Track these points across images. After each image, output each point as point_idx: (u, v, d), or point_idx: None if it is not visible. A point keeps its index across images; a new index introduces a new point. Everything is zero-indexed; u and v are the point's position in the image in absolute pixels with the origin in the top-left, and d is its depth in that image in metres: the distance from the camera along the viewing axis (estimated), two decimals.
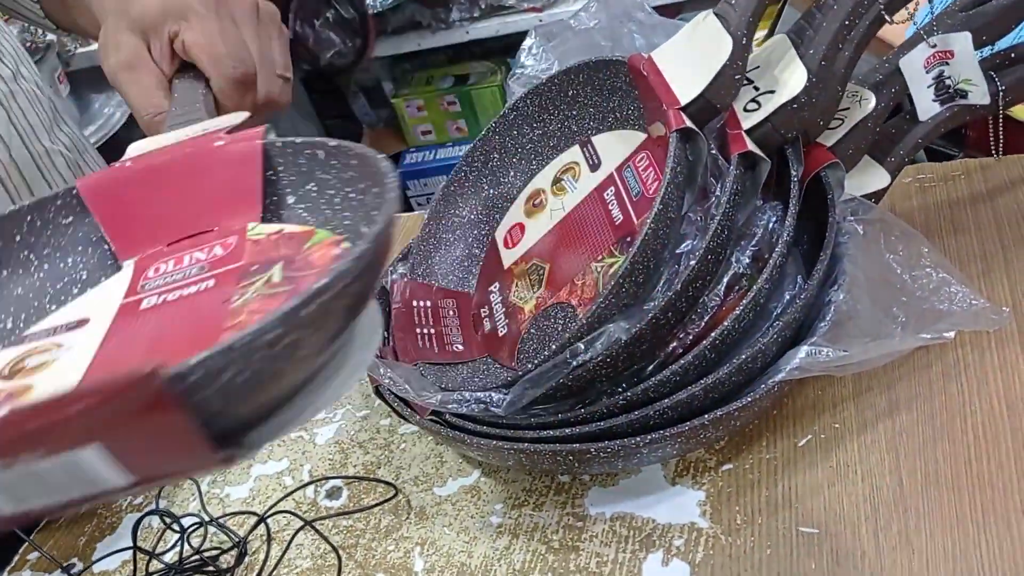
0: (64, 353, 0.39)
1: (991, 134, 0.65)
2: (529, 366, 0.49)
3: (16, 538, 0.63)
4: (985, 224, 0.63)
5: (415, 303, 0.63)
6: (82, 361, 0.38)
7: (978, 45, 0.58)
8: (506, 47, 1.68)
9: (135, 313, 0.40)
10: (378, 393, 0.57)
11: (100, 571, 0.58)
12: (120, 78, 0.53)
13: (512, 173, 0.66)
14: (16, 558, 0.62)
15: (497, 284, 0.62)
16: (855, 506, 0.48)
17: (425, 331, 0.61)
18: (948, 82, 0.59)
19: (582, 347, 0.47)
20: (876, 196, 0.61)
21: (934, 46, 0.58)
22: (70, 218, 0.45)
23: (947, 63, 0.59)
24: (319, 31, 1.49)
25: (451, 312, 0.63)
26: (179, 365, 0.26)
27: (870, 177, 0.61)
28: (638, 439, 0.48)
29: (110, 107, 1.54)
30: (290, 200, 0.45)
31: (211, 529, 0.58)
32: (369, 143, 1.25)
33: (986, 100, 0.59)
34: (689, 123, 0.50)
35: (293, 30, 1.49)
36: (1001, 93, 0.59)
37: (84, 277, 0.45)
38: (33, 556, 0.61)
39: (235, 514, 0.59)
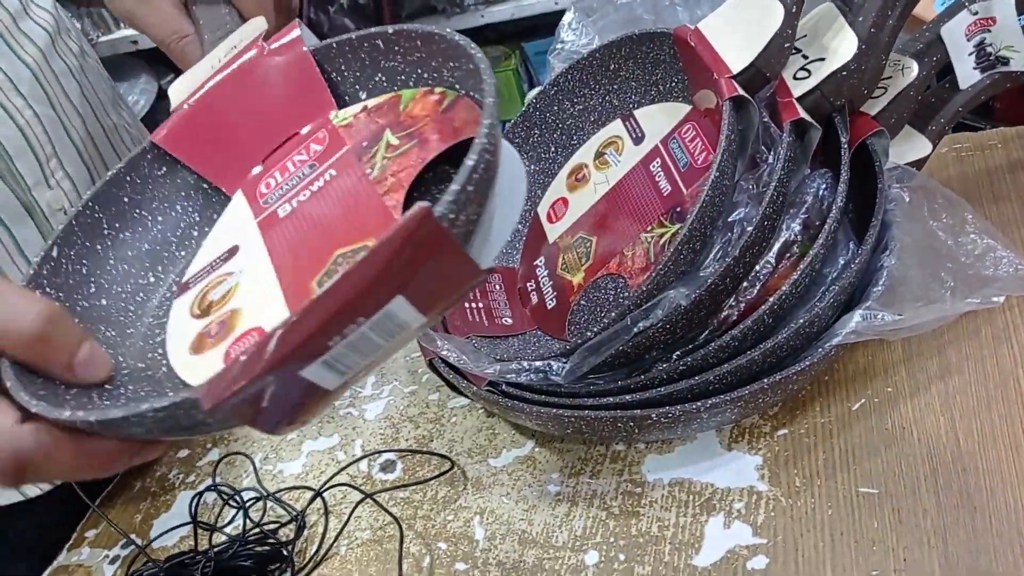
0: (241, 277, 0.41)
1: None
2: (588, 334, 0.50)
3: (75, 515, 0.63)
4: None
5: None
6: (266, 274, 0.40)
7: (1019, 11, 0.59)
8: (519, 31, 1.68)
9: (278, 222, 0.42)
10: (432, 366, 0.57)
11: (159, 546, 0.59)
12: (138, 12, 0.53)
13: (553, 148, 0.66)
14: (74, 535, 0.62)
15: (542, 258, 0.63)
16: (913, 467, 0.49)
17: (474, 305, 0.62)
18: (989, 49, 0.60)
19: (643, 313, 0.48)
20: (918, 164, 0.61)
21: (976, 13, 0.58)
22: (163, 168, 0.47)
23: (989, 30, 0.59)
24: (333, 17, 1.49)
25: (497, 287, 0.64)
26: (440, 202, 0.31)
27: (911, 146, 0.62)
28: (699, 404, 0.48)
29: (134, 94, 1.54)
30: (362, 96, 0.46)
31: (267, 505, 0.59)
32: None
33: None
34: (742, 91, 0.50)
35: (307, 16, 1.49)
36: None
37: (198, 219, 0.47)
38: (91, 534, 0.62)
39: (291, 488, 0.60)
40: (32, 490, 0.64)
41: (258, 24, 0.49)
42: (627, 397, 0.50)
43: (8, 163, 0.58)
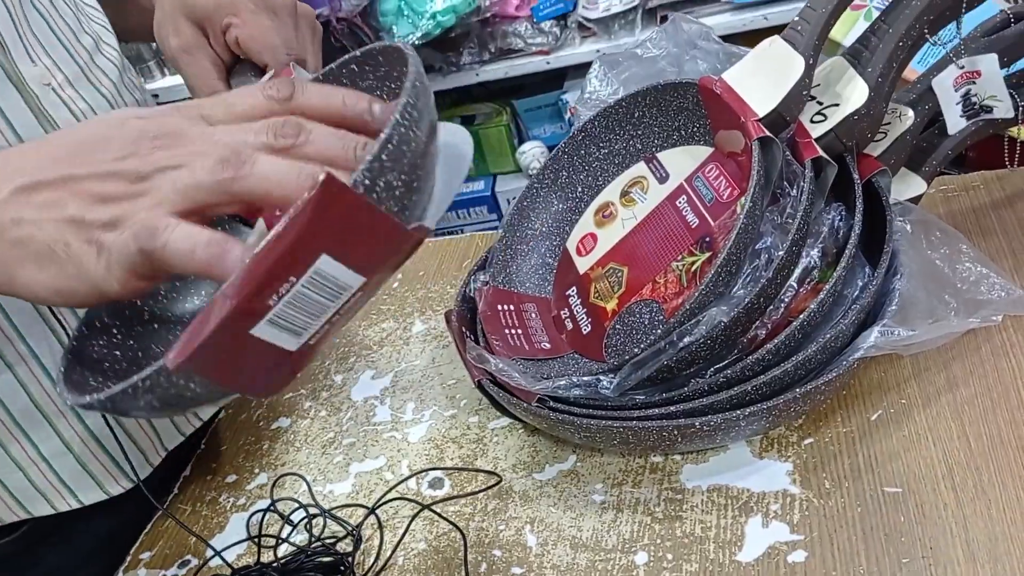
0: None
1: (1006, 148, 0.72)
2: (636, 350, 0.55)
3: (129, 538, 0.66)
4: (1010, 226, 0.70)
5: (499, 307, 0.68)
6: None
7: (1002, 66, 0.66)
8: (510, 89, 1.75)
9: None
10: (479, 386, 0.61)
11: (216, 563, 0.61)
12: (181, 60, 0.60)
13: (580, 188, 0.72)
14: (129, 558, 0.65)
15: (575, 288, 0.68)
16: (931, 468, 0.54)
17: (513, 331, 0.66)
18: (975, 99, 0.67)
19: (687, 329, 0.53)
20: (914, 201, 0.68)
21: (962, 67, 0.65)
22: None
23: (974, 82, 0.66)
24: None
25: (533, 315, 0.68)
26: (356, 171, 0.35)
27: (908, 184, 0.68)
28: (738, 412, 0.53)
29: None
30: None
31: (324, 523, 0.62)
32: None
33: (1010, 114, 0.66)
34: (768, 132, 0.56)
35: None
36: (1022, 107, 0.67)
37: None
38: (146, 555, 0.64)
39: (344, 506, 0.63)
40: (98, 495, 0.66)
41: None
42: (671, 408, 0.55)
43: None
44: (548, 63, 1.59)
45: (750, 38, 1.57)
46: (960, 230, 0.71)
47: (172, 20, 0.61)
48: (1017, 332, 0.61)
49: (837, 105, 0.59)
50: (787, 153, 0.58)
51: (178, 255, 0.36)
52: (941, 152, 0.69)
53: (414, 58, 0.42)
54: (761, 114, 0.57)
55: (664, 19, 1.59)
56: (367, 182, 0.35)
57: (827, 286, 0.55)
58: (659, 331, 0.54)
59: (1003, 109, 0.67)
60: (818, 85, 0.60)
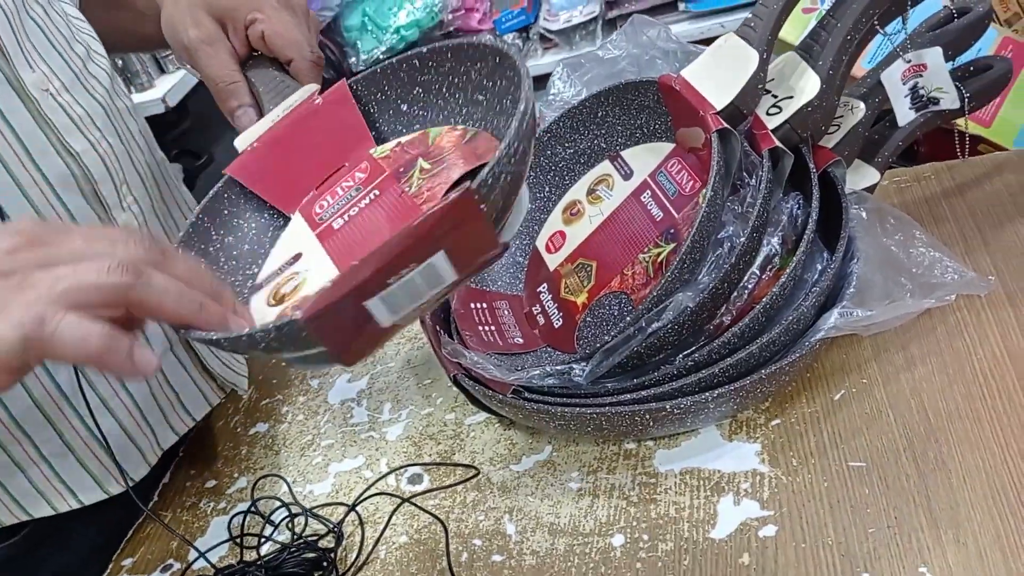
0: (307, 274, 0.51)
1: (957, 139, 0.75)
2: (606, 338, 0.56)
3: (112, 546, 0.66)
4: (961, 214, 0.72)
5: (472, 305, 0.69)
6: (329, 268, 0.49)
7: (946, 59, 0.69)
8: None
9: (334, 232, 0.52)
10: (456, 382, 0.63)
11: (200, 566, 0.62)
12: (201, 51, 0.62)
13: (548, 188, 0.73)
14: (111, 564, 0.65)
15: (546, 285, 0.69)
16: (892, 442, 0.56)
17: (487, 328, 0.68)
18: (922, 92, 0.70)
19: (655, 316, 0.55)
20: (869, 191, 0.70)
21: (909, 61, 0.68)
22: (239, 194, 0.57)
23: (921, 75, 0.69)
24: None
25: (506, 312, 0.70)
26: (477, 180, 0.40)
27: (862, 175, 0.71)
28: (707, 395, 0.55)
29: None
30: (403, 107, 0.57)
31: (305, 522, 0.62)
32: None
33: (956, 105, 0.69)
34: (726, 125, 0.58)
35: None
36: (967, 98, 0.70)
37: (268, 236, 0.57)
38: (128, 562, 0.65)
39: (325, 505, 0.64)
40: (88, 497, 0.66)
41: (309, 88, 0.59)
42: (642, 393, 0.56)
43: (95, 187, 0.65)
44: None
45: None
46: (913, 218, 0.73)
47: (191, 13, 0.63)
48: (970, 312, 0.63)
49: (791, 97, 0.61)
50: (745, 145, 0.60)
51: (70, 343, 0.39)
52: (892, 143, 0.71)
53: (524, 69, 0.46)
54: (719, 107, 0.59)
55: None
56: (484, 194, 0.40)
57: (788, 271, 0.57)
58: (628, 319, 0.56)
59: (949, 100, 0.70)
60: (772, 79, 0.63)
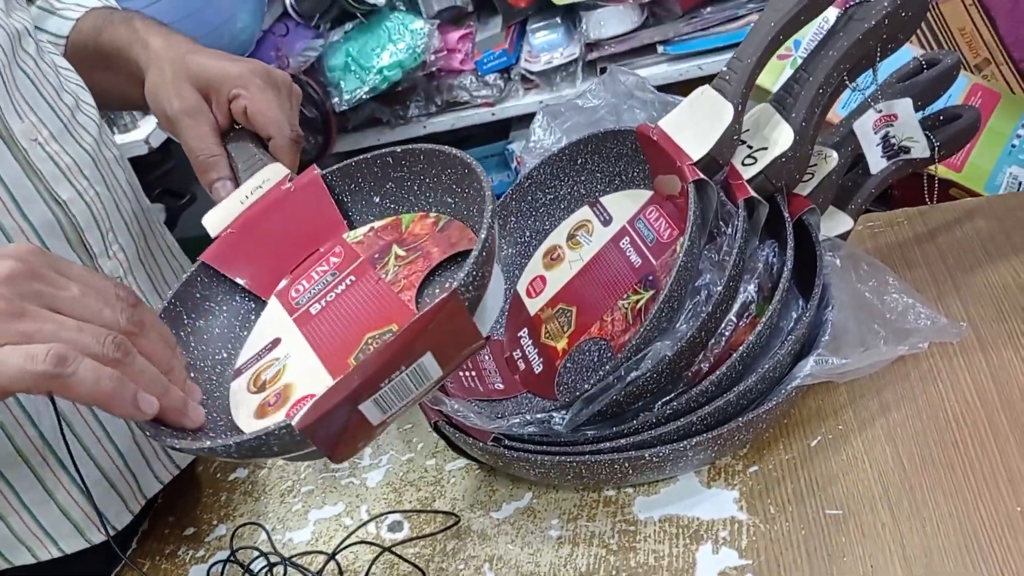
0: (288, 360, 0.53)
1: (926, 185, 0.77)
2: (586, 386, 0.57)
3: None
4: (933, 258, 0.74)
5: None
6: (309, 356, 0.51)
7: (916, 109, 0.71)
8: (458, 140, 1.79)
9: (312, 318, 0.54)
10: (436, 428, 0.63)
11: None
12: (183, 123, 0.64)
13: (528, 233, 0.74)
14: None
15: (526, 330, 0.70)
16: (868, 489, 0.56)
17: (468, 373, 0.68)
18: (893, 140, 0.71)
19: (634, 364, 0.55)
20: (842, 238, 0.72)
21: (880, 111, 0.70)
22: (213, 279, 0.58)
23: (892, 124, 0.70)
24: None
25: (487, 357, 0.70)
26: (460, 279, 0.44)
27: (836, 222, 0.72)
28: (685, 443, 0.56)
29: None
30: (376, 199, 0.60)
31: (285, 571, 0.62)
32: None
33: (927, 154, 0.71)
34: (703, 176, 0.59)
35: None
36: (937, 147, 0.71)
37: (239, 320, 0.59)
38: None
39: (304, 553, 0.64)
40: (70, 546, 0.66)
41: (279, 169, 0.61)
42: (621, 441, 0.57)
43: (81, 235, 0.65)
44: (493, 114, 1.63)
45: (686, 87, 1.63)
46: (887, 263, 0.75)
47: (175, 84, 0.64)
48: (943, 358, 0.64)
49: (766, 148, 0.62)
50: (721, 194, 0.61)
51: (88, 383, 0.43)
52: (865, 190, 0.73)
53: (487, 181, 0.50)
54: (696, 158, 0.60)
55: (603, 71, 1.65)
56: (464, 291, 0.44)
57: (764, 319, 0.58)
58: (607, 367, 0.56)
59: (920, 149, 0.71)
60: (747, 130, 0.64)
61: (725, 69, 0.62)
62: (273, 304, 0.58)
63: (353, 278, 0.56)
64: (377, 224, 0.59)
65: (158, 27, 0.72)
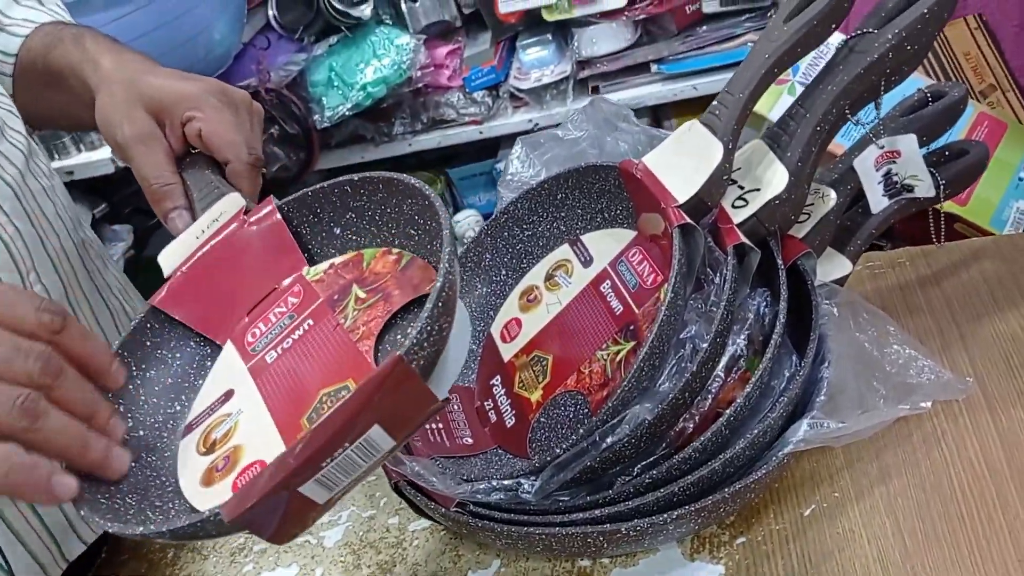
0: (240, 417, 0.48)
1: (932, 224, 0.72)
2: (557, 451, 0.52)
3: None
4: (937, 305, 0.69)
5: None
6: (261, 414, 0.47)
7: (920, 146, 0.66)
8: (444, 157, 1.74)
9: (267, 368, 0.50)
10: (396, 489, 0.58)
11: None
12: (134, 150, 0.59)
13: (504, 271, 0.69)
14: None
15: (499, 377, 0.65)
16: (867, 568, 0.51)
17: (433, 427, 0.63)
18: (896, 178, 0.66)
19: (610, 429, 0.50)
20: (840, 281, 0.67)
21: (883, 147, 0.65)
22: (169, 320, 0.53)
23: (895, 162, 0.66)
24: (264, 146, 1.52)
25: (456, 407, 0.65)
26: (411, 338, 0.39)
27: (834, 265, 0.67)
28: (665, 516, 0.50)
29: None
30: (336, 231, 0.55)
31: None
32: None
33: (931, 193, 0.66)
34: (689, 220, 0.55)
35: None
36: (942, 186, 0.67)
37: (199, 360, 0.54)
38: None
39: None
40: None
41: (235, 200, 0.56)
42: (596, 512, 0.52)
43: None
44: (481, 132, 1.59)
45: (680, 107, 1.59)
46: (887, 308, 0.70)
47: (126, 108, 0.59)
48: (947, 417, 0.59)
49: (758, 190, 0.58)
50: (709, 239, 0.56)
51: None
52: (865, 231, 0.68)
53: (446, 219, 0.45)
54: (682, 200, 0.56)
55: (596, 90, 1.61)
56: (414, 354, 0.40)
57: (754, 378, 0.53)
58: (581, 431, 0.51)
59: (924, 188, 0.66)
60: (739, 169, 0.59)
61: (715, 103, 0.58)
62: (228, 350, 0.53)
63: (311, 322, 0.51)
64: (338, 260, 0.54)
65: (109, 44, 0.67)
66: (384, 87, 1.49)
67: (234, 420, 0.47)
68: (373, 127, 1.58)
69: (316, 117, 1.52)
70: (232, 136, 0.58)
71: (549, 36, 1.56)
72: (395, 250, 0.52)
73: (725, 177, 0.57)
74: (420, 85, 1.54)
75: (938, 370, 0.59)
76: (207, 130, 0.58)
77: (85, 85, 0.64)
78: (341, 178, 0.54)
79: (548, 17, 1.51)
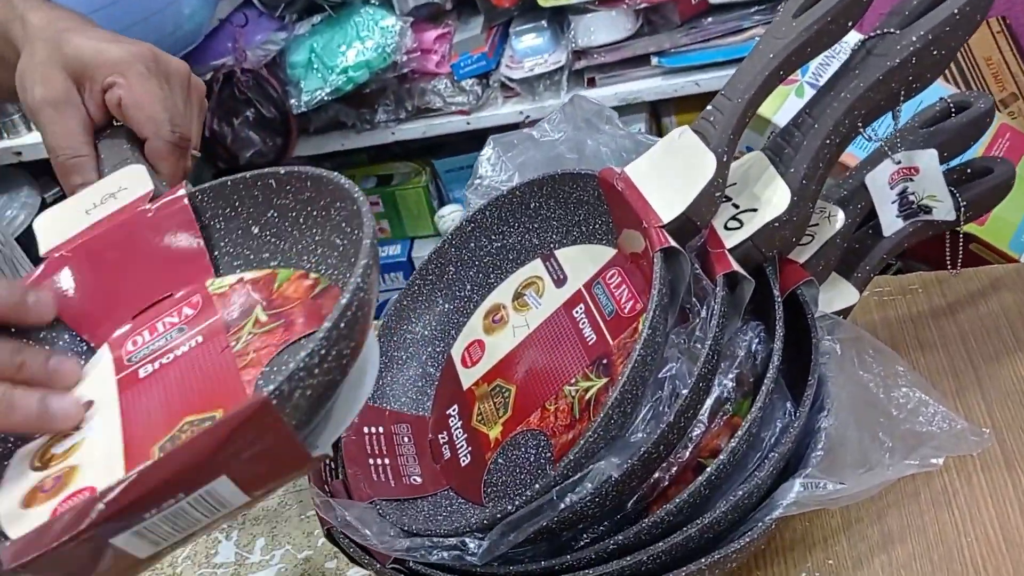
0: (89, 435, 0.41)
1: (948, 250, 0.65)
2: (509, 507, 0.44)
3: None
4: (951, 340, 0.62)
5: (366, 429, 0.57)
6: (112, 434, 0.40)
7: (939, 161, 0.58)
8: (429, 147, 1.66)
9: (137, 382, 0.43)
10: (330, 537, 0.51)
11: None
12: (45, 115, 0.52)
13: (469, 286, 0.62)
14: None
15: (456, 407, 0.58)
16: None
17: (379, 462, 0.56)
18: (912, 198, 0.59)
19: (570, 486, 0.43)
20: (844, 313, 0.60)
21: (899, 162, 0.58)
22: None
23: (912, 179, 0.58)
24: (238, 130, 1.45)
25: (406, 439, 0.58)
26: (274, 385, 0.32)
27: (838, 293, 0.60)
28: None
29: (13, 208, 1.45)
30: (255, 230, 0.48)
31: None
32: None
33: (951, 216, 0.59)
34: (673, 243, 0.47)
35: (211, 128, 1.44)
36: (963, 208, 0.59)
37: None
38: None
39: None
40: None
41: (142, 177, 0.49)
42: None
43: None
44: (468, 123, 1.51)
45: (682, 104, 1.51)
46: (896, 342, 0.63)
47: (42, 68, 0.53)
48: (960, 474, 0.52)
49: (756, 210, 0.50)
50: (696, 265, 0.49)
51: None
52: (875, 256, 0.61)
53: (370, 227, 0.38)
54: (667, 219, 0.48)
55: (592, 81, 1.53)
56: (295, 389, 0.33)
57: (740, 431, 0.45)
58: (537, 486, 0.44)
59: (943, 210, 0.59)
60: (735, 184, 0.52)
61: (710, 108, 0.50)
62: (103, 355, 0.46)
63: (200, 339, 0.44)
64: (248, 275, 0.47)
65: (41, 1, 0.59)
66: (366, 71, 1.41)
67: (82, 436, 0.40)
68: (355, 113, 1.50)
69: (293, 101, 1.44)
70: (154, 109, 0.52)
71: (544, 23, 1.48)
72: (312, 275, 0.45)
73: (718, 194, 0.49)
74: (406, 71, 1.45)
75: (951, 418, 0.52)
76: (128, 99, 0.51)
77: (12, 46, 0.57)
78: (266, 170, 0.47)
79: (544, 3, 1.43)
